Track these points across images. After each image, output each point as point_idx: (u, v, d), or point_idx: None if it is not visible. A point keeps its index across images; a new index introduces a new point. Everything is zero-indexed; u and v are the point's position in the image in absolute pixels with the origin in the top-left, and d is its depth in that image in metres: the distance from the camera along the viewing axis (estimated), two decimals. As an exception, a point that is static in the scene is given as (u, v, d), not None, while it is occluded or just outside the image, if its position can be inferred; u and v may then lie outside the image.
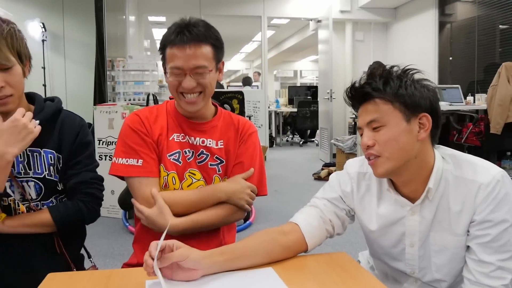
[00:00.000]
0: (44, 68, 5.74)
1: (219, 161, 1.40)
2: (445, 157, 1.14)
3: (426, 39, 6.63)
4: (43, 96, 1.40)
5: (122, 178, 1.35)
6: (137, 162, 1.32)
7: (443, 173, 1.11)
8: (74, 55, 5.99)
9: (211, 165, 1.39)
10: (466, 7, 6.17)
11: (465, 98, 5.15)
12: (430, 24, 6.55)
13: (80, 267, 1.44)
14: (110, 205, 3.86)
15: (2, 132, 1.17)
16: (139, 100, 4.73)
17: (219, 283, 1.01)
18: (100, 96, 4.73)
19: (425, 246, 1.15)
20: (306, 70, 19.16)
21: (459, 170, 1.10)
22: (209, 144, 1.40)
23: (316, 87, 9.79)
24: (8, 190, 1.26)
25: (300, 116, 9.57)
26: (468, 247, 1.09)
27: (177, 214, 1.28)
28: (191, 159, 1.38)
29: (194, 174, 1.38)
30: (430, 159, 1.12)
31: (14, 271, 1.27)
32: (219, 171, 1.40)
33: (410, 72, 1.13)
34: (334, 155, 6.71)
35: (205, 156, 1.39)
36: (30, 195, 1.29)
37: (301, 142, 9.98)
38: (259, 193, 1.42)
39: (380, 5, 7.39)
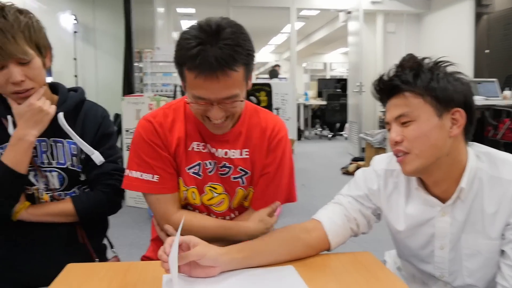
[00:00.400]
0: (75, 59, 5.85)
1: (243, 173, 1.27)
2: (479, 155, 1.07)
3: (461, 31, 6.39)
4: (72, 86, 1.41)
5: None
6: (153, 178, 1.20)
7: (477, 172, 1.05)
8: (104, 46, 6.07)
9: (234, 178, 1.26)
10: (505, -3, 5.90)
11: (502, 92, 4.95)
12: (466, 15, 6.31)
13: (102, 257, 1.44)
14: (137, 195, 3.90)
15: (20, 115, 1.19)
16: (166, 91, 4.76)
17: (237, 280, 0.98)
18: (129, 87, 4.79)
19: (456, 249, 1.09)
20: (336, 63, 18.89)
21: (495, 169, 1.03)
22: (233, 155, 1.25)
23: (345, 80, 9.62)
24: (32, 179, 1.27)
25: (329, 109, 9.45)
26: (502, 251, 1.02)
27: None
28: (212, 172, 1.25)
29: (216, 188, 1.26)
30: (463, 157, 1.06)
31: (36, 260, 1.28)
32: (243, 183, 1.28)
33: (443, 65, 1.06)
34: (363, 149, 6.59)
35: (227, 169, 1.26)
36: (53, 184, 1.30)
37: (330, 136, 9.87)
38: (286, 201, 1.34)
39: (413, -4, 7.17)
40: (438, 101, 1.01)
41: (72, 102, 1.33)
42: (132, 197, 3.97)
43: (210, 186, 1.26)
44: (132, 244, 3.08)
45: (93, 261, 1.36)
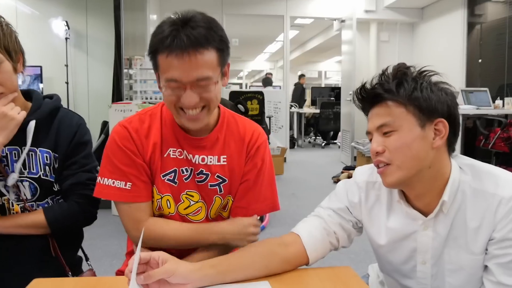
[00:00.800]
0: (67, 65, 5.80)
1: (220, 180, 1.23)
2: (462, 167, 1.04)
3: (454, 40, 6.41)
4: (62, 93, 1.37)
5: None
6: (126, 186, 1.15)
7: (460, 185, 1.01)
8: (96, 53, 6.02)
9: (211, 185, 1.23)
10: (497, 7, 5.93)
11: (493, 101, 4.95)
12: (459, 24, 6.32)
13: (77, 270, 1.39)
14: (124, 204, 3.83)
15: None
16: (156, 99, 4.72)
17: None
18: (118, 94, 4.74)
19: (439, 264, 1.05)
20: (331, 71, 18.96)
21: (479, 182, 1.00)
22: (210, 161, 1.21)
23: (340, 89, 9.64)
24: (2, 189, 1.23)
25: (322, 118, 9.45)
26: (486, 267, 0.99)
27: (167, 247, 1.14)
28: (188, 179, 1.21)
29: (192, 196, 1.22)
30: (446, 169, 1.02)
31: (6, 274, 1.23)
32: (220, 191, 1.24)
33: (427, 74, 1.04)
34: (355, 158, 6.57)
35: (204, 176, 1.22)
36: (25, 195, 1.26)
37: (323, 144, 9.85)
38: (268, 210, 1.30)
39: (406, 5, 7.19)
40: (421, 111, 0.98)
41: (46, 109, 1.29)
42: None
43: (187, 194, 1.22)
44: (116, 254, 3.01)
45: (66, 275, 1.31)
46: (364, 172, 1.18)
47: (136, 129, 1.19)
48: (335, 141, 9.99)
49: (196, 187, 1.22)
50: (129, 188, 1.16)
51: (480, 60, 6.17)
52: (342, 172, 5.74)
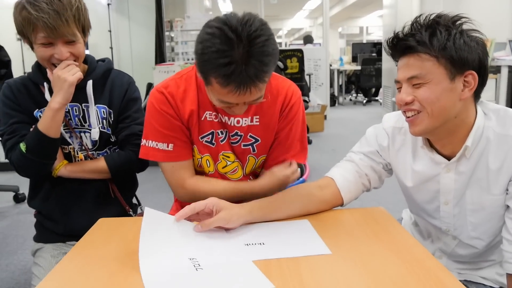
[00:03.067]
0: (110, 31, 5.97)
1: (253, 140, 1.30)
2: (487, 113, 1.06)
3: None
4: (107, 57, 1.52)
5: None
6: (168, 147, 1.24)
7: (484, 131, 1.04)
8: (137, 17, 6.15)
9: (244, 145, 1.30)
10: None
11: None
12: (510, -31, 5.93)
13: (133, 212, 1.55)
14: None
15: (52, 86, 1.30)
16: (197, 60, 4.80)
17: (256, 232, 1.05)
18: (160, 57, 4.88)
19: (461, 204, 1.11)
20: (373, 26, 18.32)
21: (503, 127, 1.02)
22: (244, 123, 1.27)
23: (381, 44, 9.36)
24: (68, 140, 1.39)
25: (364, 74, 9.26)
26: (507, 206, 1.04)
27: None
28: (224, 141, 1.29)
29: (228, 157, 1.31)
30: (471, 118, 1.04)
31: (73, 212, 1.42)
32: (253, 150, 1.31)
33: (459, 22, 1.02)
34: (397, 114, 6.47)
35: (238, 137, 1.29)
36: (87, 144, 1.41)
37: (364, 101, 9.71)
38: (296, 161, 1.35)
39: (453, -49, 6.79)
40: (452, 64, 0.98)
41: (100, 70, 1.42)
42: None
43: (223, 155, 1.31)
44: (165, 206, 3.20)
45: (126, 213, 1.49)
46: (391, 118, 1.23)
47: (172, 94, 1.24)
48: (376, 98, 9.80)
49: (231, 148, 1.30)
50: (171, 149, 1.25)
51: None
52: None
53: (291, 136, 1.32)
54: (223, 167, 1.32)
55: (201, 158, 1.30)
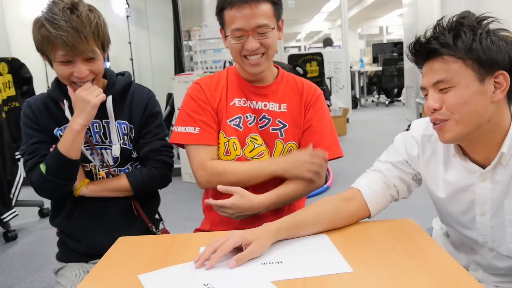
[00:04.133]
0: (130, 43, 6.05)
1: (281, 125, 1.37)
2: None
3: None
4: (126, 70, 1.51)
5: (182, 146, 1.39)
6: (194, 130, 1.33)
7: None
8: (156, 28, 6.22)
9: (273, 129, 1.36)
10: None
11: None
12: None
13: (156, 229, 1.54)
14: (193, 170, 4.02)
15: (73, 106, 1.29)
16: (216, 68, 4.82)
17: (272, 251, 1.01)
18: (179, 66, 4.90)
19: (499, 215, 1.05)
20: (393, 26, 18.06)
21: None
22: (272, 107, 1.37)
23: (402, 43, 9.21)
24: (89, 157, 1.38)
25: (385, 75, 9.13)
26: None
27: (230, 184, 1.27)
28: (252, 124, 1.36)
29: (256, 140, 1.36)
30: (506, 122, 0.99)
31: (95, 232, 1.40)
32: (281, 135, 1.37)
33: (485, 22, 0.97)
34: (420, 115, 6.35)
35: (267, 120, 1.37)
36: (108, 161, 1.40)
37: (387, 102, 9.56)
38: (333, 155, 1.38)
39: None
40: (480, 65, 0.93)
41: (119, 85, 1.41)
42: (188, 173, 4.10)
43: (251, 138, 1.36)
44: (188, 217, 3.23)
45: (149, 230, 1.46)
46: (420, 126, 1.18)
47: (206, 83, 1.39)
48: (399, 99, 9.64)
49: (259, 131, 1.37)
50: (197, 132, 1.33)
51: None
52: (407, 130, 5.59)
53: (322, 125, 1.38)
54: (250, 151, 1.36)
55: (228, 141, 1.35)
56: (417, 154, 1.16)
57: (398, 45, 10.17)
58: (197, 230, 1.48)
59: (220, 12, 1.29)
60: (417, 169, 1.18)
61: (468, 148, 1.05)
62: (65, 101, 1.34)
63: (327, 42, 8.95)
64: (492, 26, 0.98)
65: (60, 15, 1.19)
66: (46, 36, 1.20)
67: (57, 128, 1.36)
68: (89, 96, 1.26)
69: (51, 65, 1.29)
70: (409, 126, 4.77)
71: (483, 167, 1.04)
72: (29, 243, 3.05)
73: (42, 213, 3.55)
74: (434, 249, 0.99)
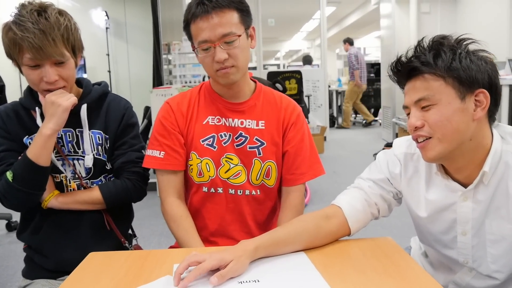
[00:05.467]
0: (108, 55, 5.98)
1: (259, 143, 1.32)
2: (504, 137, 1.02)
3: (500, 8, 6.09)
4: (105, 81, 1.46)
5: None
6: (159, 154, 1.31)
7: (502, 155, 0.99)
8: (135, 40, 6.18)
9: (250, 148, 1.31)
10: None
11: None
12: (505, -9, 5.99)
13: (129, 244, 1.48)
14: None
15: (43, 112, 1.24)
16: (195, 82, 4.80)
17: (250, 269, 0.97)
18: (158, 80, 4.86)
19: (480, 234, 1.05)
20: (370, 47, 18.48)
21: None
22: (249, 125, 1.32)
23: (379, 65, 9.40)
24: (60, 168, 1.32)
25: (363, 95, 9.26)
26: None
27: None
28: (227, 143, 1.32)
29: (232, 159, 1.31)
30: (487, 140, 1.00)
31: (65, 246, 1.34)
32: (259, 154, 1.32)
33: (465, 43, 1.00)
34: (397, 135, 6.45)
35: (243, 138, 1.32)
36: (80, 173, 1.34)
37: (364, 122, 9.69)
38: (315, 175, 1.37)
39: (448, -27, 6.88)
40: (460, 83, 0.95)
41: (96, 94, 1.37)
42: (165, 187, 4.02)
43: (226, 157, 1.32)
44: (162, 233, 3.15)
45: (122, 245, 1.41)
46: (402, 144, 1.18)
47: (177, 102, 1.35)
48: (376, 118, 9.80)
49: (235, 150, 1.32)
50: (162, 156, 1.31)
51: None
52: (383, 149, 5.65)
53: (303, 145, 1.35)
54: (225, 172, 1.32)
55: (201, 162, 1.31)
56: (399, 172, 1.16)
57: (375, 66, 10.36)
58: (172, 247, 1.43)
59: (186, 26, 1.25)
60: (399, 188, 1.17)
61: (450, 166, 1.05)
62: (37, 108, 1.29)
63: (307, 60, 9.06)
64: (471, 47, 1.00)
65: (27, 17, 1.15)
66: (12, 39, 1.16)
67: (27, 136, 1.30)
68: (60, 100, 1.21)
69: (20, 71, 1.24)
70: (385, 145, 4.86)
71: (465, 186, 1.04)
72: (-6, 258, 2.92)
73: (9, 227, 3.42)
74: (413, 268, 0.97)
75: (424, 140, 0.99)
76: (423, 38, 1.03)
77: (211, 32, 1.19)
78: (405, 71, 1.02)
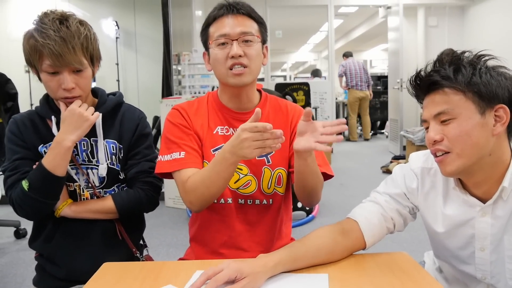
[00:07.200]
0: (117, 64, 6.03)
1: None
2: None
3: (509, 22, 6.10)
4: (113, 90, 1.47)
5: (168, 175, 1.29)
6: (180, 155, 1.25)
7: None
8: (145, 50, 6.22)
9: (258, 156, 1.26)
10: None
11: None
12: (514, 5, 6.00)
13: (140, 255, 1.47)
14: (175, 195, 3.96)
15: (62, 120, 1.25)
16: (204, 93, 4.81)
17: (268, 283, 0.96)
18: (167, 90, 4.88)
19: (499, 251, 1.04)
20: (377, 60, 18.50)
21: None
22: None
23: (386, 77, 9.41)
24: (74, 176, 1.33)
25: (369, 107, 9.25)
26: None
27: (205, 196, 1.19)
28: None
29: (241, 169, 1.30)
30: (507, 156, 1.00)
31: (77, 255, 1.33)
32: (268, 162, 1.31)
33: (484, 58, 1.00)
34: (404, 148, 6.42)
35: None
36: (93, 182, 1.34)
37: (370, 134, 9.66)
38: (329, 171, 1.31)
39: (456, -12, 6.90)
40: (480, 98, 0.95)
41: (110, 104, 1.38)
42: (171, 198, 4.04)
43: (236, 168, 1.24)
44: (171, 244, 3.14)
45: (133, 256, 1.40)
46: (419, 158, 1.17)
47: (185, 109, 1.33)
48: (382, 131, 9.77)
49: (244, 160, 1.27)
50: (183, 156, 1.25)
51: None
52: (391, 162, 5.64)
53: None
54: (235, 182, 1.30)
55: None
56: (416, 187, 1.15)
57: (382, 78, 10.37)
58: (181, 259, 1.42)
59: (205, 28, 1.28)
60: (415, 203, 1.16)
61: (468, 181, 1.04)
62: (53, 117, 1.30)
63: (316, 73, 9.08)
64: (490, 63, 1.00)
65: (49, 25, 1.18)
66: (34, 46, 1.19)
67: (42, 145, 1.31)
68: (87, 113, 1.24)
69: (39, 78, 1.26)
70: (393, 158, 4.83)
71: (483, 201, 1.03)
72: (2, 265, 2.91)
73: (18, 234, 3.41)
74: (431, 284, 0.96)
75: (442, 154, 0.99)
76: (442, 53, 1.03)
77: (232, 29, 1.22)
78: (424, 85, 1.02)
